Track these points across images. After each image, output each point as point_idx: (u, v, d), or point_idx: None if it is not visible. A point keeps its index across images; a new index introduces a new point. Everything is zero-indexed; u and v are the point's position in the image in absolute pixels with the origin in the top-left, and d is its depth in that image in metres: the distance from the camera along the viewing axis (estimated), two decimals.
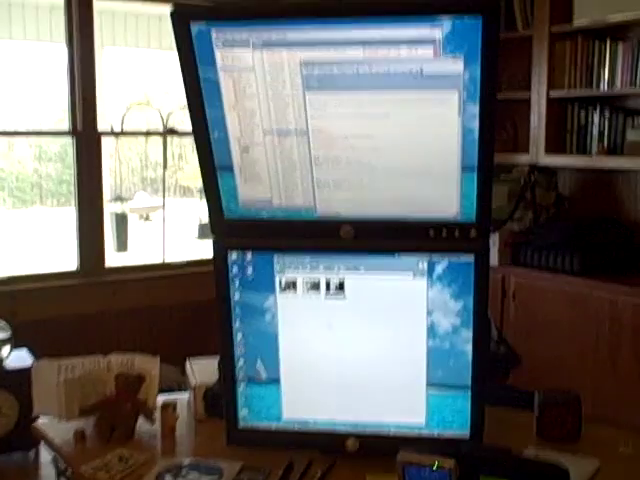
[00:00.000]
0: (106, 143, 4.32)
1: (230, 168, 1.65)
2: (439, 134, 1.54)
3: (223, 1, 1.39)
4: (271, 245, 1.70)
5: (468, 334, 1.67)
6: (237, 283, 1.73)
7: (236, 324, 1.75)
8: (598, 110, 4.10)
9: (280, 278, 1.72)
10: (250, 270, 1.72)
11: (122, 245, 4.93)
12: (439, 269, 1.66)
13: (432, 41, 1.46)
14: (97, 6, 4.05)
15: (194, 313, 4.17)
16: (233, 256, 1.72)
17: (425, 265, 1.66)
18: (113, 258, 4.65)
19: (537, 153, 4.17)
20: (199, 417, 2.02)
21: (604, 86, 3.98)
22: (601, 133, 4.06)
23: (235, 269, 1.72)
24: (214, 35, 1.51)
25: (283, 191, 1.66)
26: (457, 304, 1.66)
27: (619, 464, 1.77)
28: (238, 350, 1.76)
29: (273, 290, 1.72)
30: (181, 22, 1.51)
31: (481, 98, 1.49)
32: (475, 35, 1.44)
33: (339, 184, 1.63)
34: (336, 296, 1.70)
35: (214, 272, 1.74)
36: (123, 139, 7.26)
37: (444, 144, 1.55)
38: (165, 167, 5.88)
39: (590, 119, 4.12)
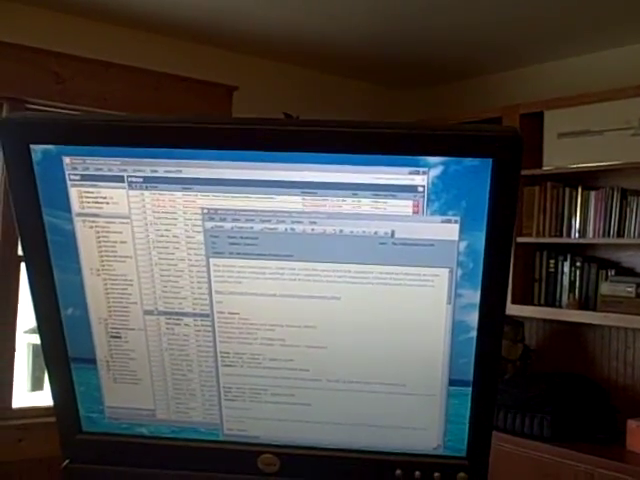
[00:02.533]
0: None
1: (91, 361, 1.06)
2: (415, 329, 0.99)
3: (85, 115, 0.81)
4: (153, 478, 1.11)
5: None
6: None
7: None
8: (569, 259, 3.84)
9: None
10: None
11: (37, 382, 4.22)
12: None
13: (412, 191, 0.92)
14: None
15: None
16: None
17: None
18: (25, 398, 4.05)
19: None
20: None
21: (575, 234, 3.71)
22: (572, 284, 3.80)
23: None
24: (67, 164, 0.95)
25: (172, 399, 1.07)
26: None
27: None
28: None
29: None
30: (16, 141, 0.95)
31: (484, 279, 0.95)
32: (480, 186, 0.91)
33: (259, 394, 1.05)
34: None
35: None
36: None
37: (422, 344, 1.00)
38: None
39: (560, 268, 3.85)
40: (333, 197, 0.93)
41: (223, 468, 1.09)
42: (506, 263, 0.94)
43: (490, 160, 0.89)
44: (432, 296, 0.97)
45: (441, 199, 0.92)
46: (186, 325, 1.03)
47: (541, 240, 3.85)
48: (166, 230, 0.97)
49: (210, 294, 1.00)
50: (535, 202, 3.86)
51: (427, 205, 0.93)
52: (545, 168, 3.82)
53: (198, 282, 1.00)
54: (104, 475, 1.12)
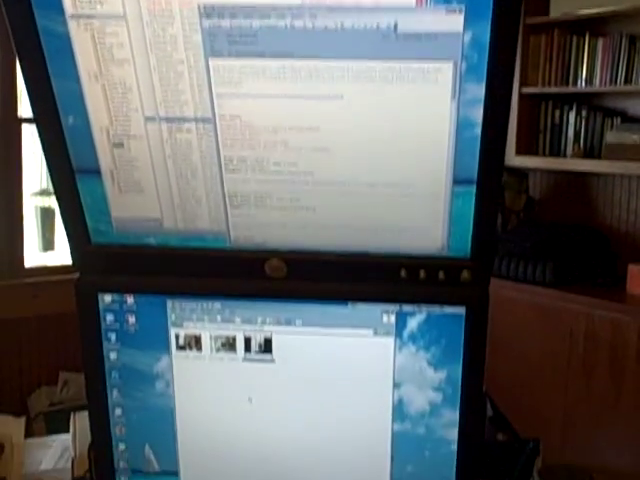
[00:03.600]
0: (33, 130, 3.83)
1: (96, 171, 1.07)
2: (419, 127, 0.98)
3: None
4: (163, 286, 1.14)
5: (453, 416, 1.14)
6: (113, 338, 1.16)
7: (113, 395, 1.19)
8: (574, 109, 3.78)
9: (177, 332, 1.16)
10: (132, 320, 1.16)
11: (48, 243, 4.30)
12: (413, 324, 1.12)
13: None
14: None
15: None
16: (106, 300, 1.15)
17: (392, 319, 1.12)
18: (37, 258, 4.16)
19: (507, 153, 3.77)
20: None
21: (581, 83, 3.66)
22: (577, 134, 3.77)
23: (110, 318, 1.16)
24: None
25: (178, 208, 1.08)
26: (438, 374, 1.13)
27: None
28: (117, 431, 1.20)
29: (166, 349, 1.16)
30: None
31: (489, 73, 0.94)
32: None
33: (264, 200, 1.06)
34: (260, 359, 1.16)
35: (79, 321, 1.17)
36: None
37: (427, 143, 1.00)
38: None
39: (565, 118, 3.83)
40: None
41: (231, 274, 1.12)
42: (512, 54, 0.92)
43: None
44: (436, 91, 0.95)
45: None
46: (188, 131, 1.02)
47: (546, 90, 3.79)
48: (163, 30, 0.95)
49: (211, 97, 0.99)
50: (541, 51, 3.78)
51: None
52: (552, 15, 3.71)
53: (198, 85, 0.98)
54: (114, 284, 1.14)
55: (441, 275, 1.08)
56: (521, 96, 3.78)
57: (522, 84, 3.78)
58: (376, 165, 1.02)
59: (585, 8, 3.58)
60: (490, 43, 0.92)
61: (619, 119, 3.67)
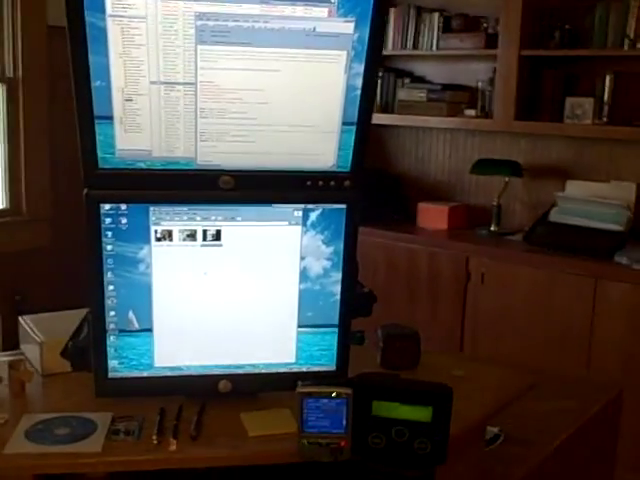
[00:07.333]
0: None
1: (110, 118, 1.59)
2: (325, 90, 1.62)
3: None
4: (147, 197, 1.68)
5: (337, 276, 1.79)
6: (110, 235, 1.69)
7: (107, 276, 1.71)
8: None
9: (155, 229, 1.70)
10: (124, 221, 1.69)
11: None
12: (313, 217, 1.75)
13: (328, 1, 1.52)
14: None
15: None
16: (106, 208, 1.67)
17: (300, 214, 1.74)
18: None
19: None
20: (46, 372, 1.97)
21: None
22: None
23: (108, 221, 1.68)
24: None
25: (164, 142, 1.63)
26: (328, 249, 1.77)
27: (452, 384, 2.01)
28: (109, 302, 1.73)
29: (148, 241, 1.71)
30: None
31: (367, 58, 1.59)
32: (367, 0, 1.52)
33: (222, 136, 1.64)
34: (213, 244, 1.73)
35: (85, 224, 1.68)
36: None
37: (329, 100, 1.63)
38: None
39: None
40: (280, 5, 1.51)
41: (195, 187, 1.69)
42: (380, 45, 1.59)
43: None
44: (336, 67, 1.59)
45: (345, 7, 1.53)
46: (177, 91, 1.58)
47: None
48: (170, 27, 1.50)
49: (196, 70, 1.56)
50: None
51: (337, 11, 1.53)
52: None
53: (189, 61, 1.54)
54: (112, 197, 1.67)
55: (332, 183, 1.72)
56: None
57: None
58: (296, 113, 1.64)
59: None
60: (368, 40, 1.56)
61: (409, 79, 4.44)
